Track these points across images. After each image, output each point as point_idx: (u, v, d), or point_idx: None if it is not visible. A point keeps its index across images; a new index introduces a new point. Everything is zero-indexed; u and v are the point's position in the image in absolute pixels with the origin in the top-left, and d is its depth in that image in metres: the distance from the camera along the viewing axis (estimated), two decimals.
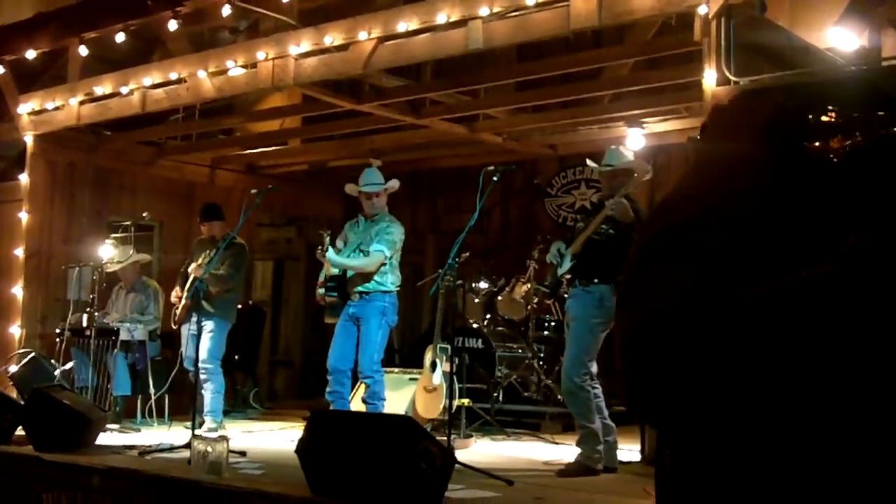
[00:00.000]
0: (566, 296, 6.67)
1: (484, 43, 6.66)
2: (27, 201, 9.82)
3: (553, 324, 9.64)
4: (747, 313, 1.11)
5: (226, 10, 8.03)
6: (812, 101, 1.32)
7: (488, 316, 9.67)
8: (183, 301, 8.31)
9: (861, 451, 1.06)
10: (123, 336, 8.73)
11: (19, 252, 9.76)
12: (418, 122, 9.64)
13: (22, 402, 7.46)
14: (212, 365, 8.13)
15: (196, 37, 9.53)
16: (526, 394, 9.28)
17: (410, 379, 8.64)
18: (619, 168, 6.51)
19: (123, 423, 8.53)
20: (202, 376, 7.95)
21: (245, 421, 9.75)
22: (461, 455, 6.03)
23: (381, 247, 7.31)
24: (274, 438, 8.18)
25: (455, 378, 7.22)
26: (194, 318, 7.79)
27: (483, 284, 9.73)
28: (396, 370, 8.91)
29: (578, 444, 6.30)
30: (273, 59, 7.77)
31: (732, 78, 5.58)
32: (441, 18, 6.75)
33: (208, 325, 8.07)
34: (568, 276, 6.44)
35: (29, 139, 9.83)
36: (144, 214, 9.57)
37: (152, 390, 8.77)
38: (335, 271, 7.47)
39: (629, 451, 6.76)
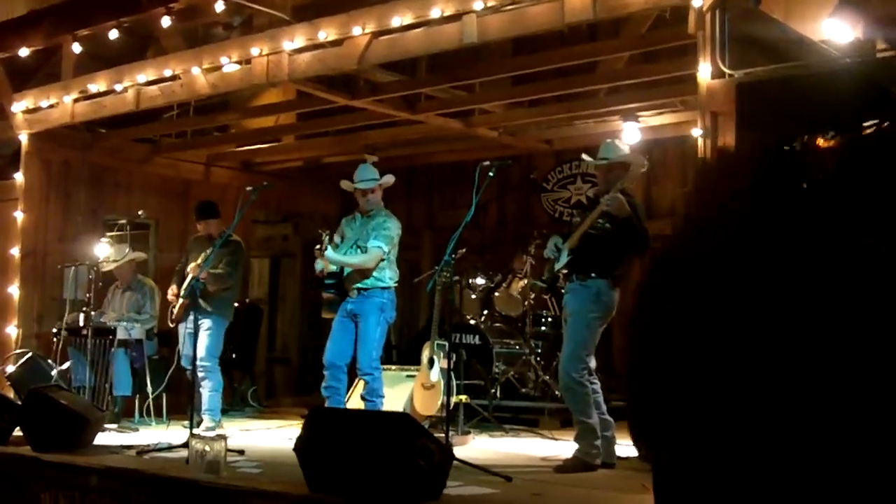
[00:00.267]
0: (563, 291, 6.66)
1: (478, 37, 6.64)
2: (22, 200, 9.80)
3: (550, 319, 9.64)
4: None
5: (219, 6, 8.01)
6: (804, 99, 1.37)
7: (485, 312, 9.66)
8: (180, 300, 8.29)
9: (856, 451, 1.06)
10: (121, 335, 8.71)
11: (15, 251, 9.74)
12: (413, 118, 9.63)
13: (19, 403, 7.44)
14: (210, 363, 8.12)
15: (190, 33, 9.51)
16: (523, 390, 9.28)
17: (408, 376, 8.64)
18: (615, 162, 6.49)
19: (121, 422, 8.52)
20: (200, 374, 7.94)
21: (243, 419, 9.74)
22: (459, 452, 6.02)
23: (379, 243, 7.30)
24: (272, 436, 8.18)
25: (452, 375, 7.21)
26: (191, 317, 7.77)
27: (480, 280, 9.72)
28: (394, 367, 8.91)
29: (576, 439, 6.29)
30: (267, 54, 7.76)
31: (727, 71, 5.58)
32: (435, 13, 6.74)
33: (206, 323, 8.06)
34: (565, 271, 6.42)
35: (23, 138, 9.81)
36: (140, 212, 9.55)
37: (150, 389, 8.75)
38: (333, 268, 7.45)
39: (627, 446, 6.75)
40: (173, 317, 8.40)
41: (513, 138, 10.54)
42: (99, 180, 10.56)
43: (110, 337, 8.66)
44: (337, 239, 7.58)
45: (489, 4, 6.52)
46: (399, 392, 8.41)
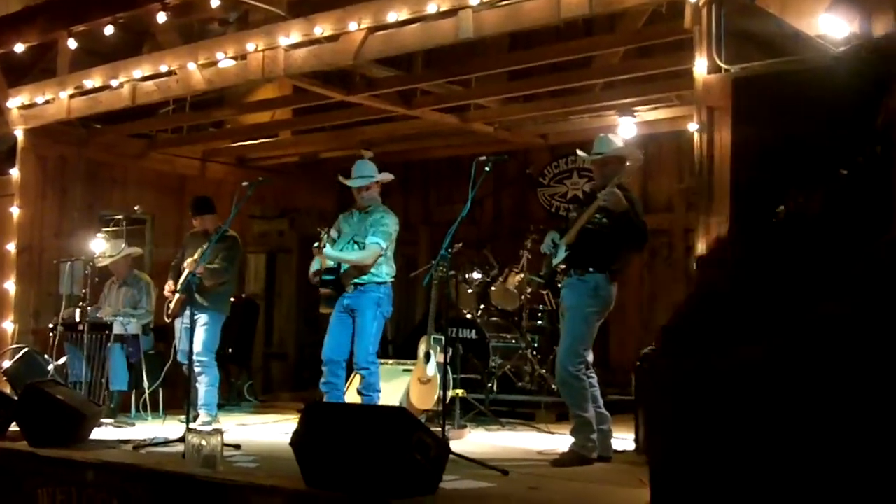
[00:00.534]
0: (559, 285, 6.67)
1: (474, 32, 6.64)
2: (18, 196, 9.80)
3: (546, 313, 9.64)
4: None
5: (215, 2, 8.01)
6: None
7: (482, 306, 9.66)
8: (176, 295, 8.29)
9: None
10: (117, 330, 8.70)
11: (11, 247, 9.74)
12: (409, 113, 9.62)
13: (15, 398, 7.44)
14: (206, 358, 8.12)
15: (185, 29, 9.50)
16: (520, 384, 9.29)
17: (404, 370, 8.64)
18: (610, 156, 6.50)
19: (118, 417, 8.51)
20: (196, 369, 7.94)
21: (239, 414, 9.74)
22: (456, 446, 6.03)
23: (377, 239, 7.30)
24: (268, 431, 8.18)
25: (449, 369, 7.23)
26: (188, 312, 7.78)
27: (476, 275, 9.72)
28: (390, 361, 8.91)
29: (572, 433, 6.31)
30: (263, 50, 7.75)
31: (723, 66, 5.58)
32: (431, 8, 6.74)
33: (202, 319, 8.06)
34: (563, 267, 6.43)
35: (19, 133, 9.81)
36: (136, 208, 9.54)
37: (146, 384, 8.75)
38: (331, 263, 7.46)
39: (623, 440, 6.77)
40: (169, 312, 8.41)
41: (509, 133, 10.55)
42: (95, 176, 10.56)
43: (106, 332, 8.66)
44: (334, 234, 7.57)
45: (485, 0, 6.52)
46: (395, 386, 8.42)
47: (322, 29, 7.35)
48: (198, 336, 7.91)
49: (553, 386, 8.55)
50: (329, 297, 7.50)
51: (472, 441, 7.43)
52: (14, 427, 7.11)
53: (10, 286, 9.68)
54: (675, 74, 7.97)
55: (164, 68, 8.47)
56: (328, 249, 7.26)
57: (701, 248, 5.55)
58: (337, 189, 8.00)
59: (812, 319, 1.18)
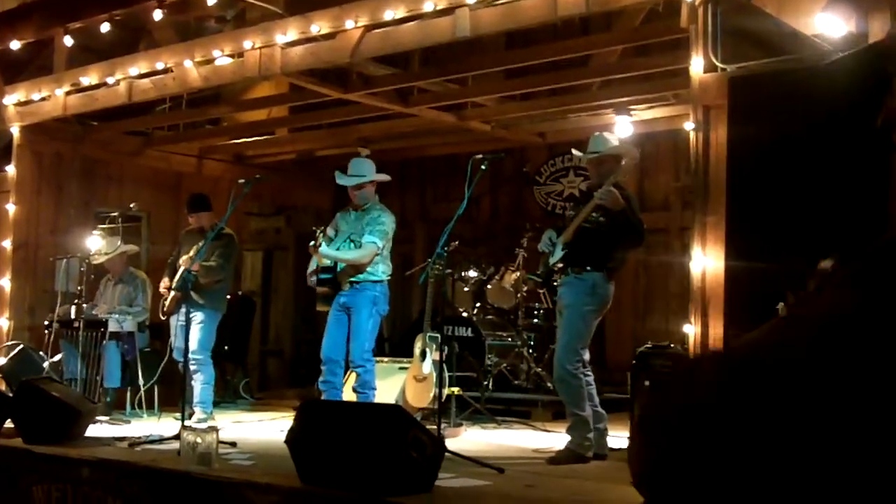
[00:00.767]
0: (556, 283, 6.67)
1: (471, 30, 6.64)
2: (14, 193, 9.78)
3: (542, 312, 9.65)
4: None
5: (211, 0, 7.99)
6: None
7: (478, 304, 9.67)
8: (172, 292, 8.29)
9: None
10: (113, 327, 8.69)
11: (6, 244, 9.72)
12: (406, 111, 9.62)
13: (11, 395, 7.43)
14: (202, 355, 8.12)
15: (182, 26, 9.50)
16: (516, 382, 9.30)
17: (400, 368, 8.64)
18: (605, 154, 6.51)
19: (113, 414, 8.51)
20: (192, 367, 7.93)
21: (235, 411, 9.74)
22: (451, 444, 6.03)
23: (373, 238, 7.30)
24: (264, 429, 8.17)
25: (445, 367, 7.22)
26: (183, 309, 7.77)
27: (472, 273, 9.73)
28: (386, 359, 8.91)
29: (568, 431, 6.31)
30: (260, 48, 7.74)
31: (720, 64, 5.58)
32: (428, 6, 6.73)
33: (198, 316, 8.06)
34: (560, 265, 6.43)
35: (15, 130, 9.79)
36: (132, 205, 9.52)
37: (142, 381, 8.74)
38: (327, 262, 7.46)
39: (619, 438, 6.77)
40: (165, 309, 8.40)
41: (506, 131, 10.55)
42: (91, 173, 10.54)
43: (102, 329, 8.64)
44: (331, 232, 7.58)
45: None
46: (391, 384, 8.41)
47: (319, 27, 7.34)
48: (193, 333, 7.90)
49: (549, 384, 8.56)
50: (326, 295, 7.50)
51: (468, 439, 7.43)
52: (9, 424, 7.10)
53: (6, 283, 9.67)
54: (672, 73, 7.97)
55: (160, 66, 8.46)
56: (324, 248, 7.26)
57: (699, 247, 5.55)
58: (334, 186, 7.98)
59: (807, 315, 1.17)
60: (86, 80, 8.97)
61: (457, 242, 8.52)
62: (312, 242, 7.27)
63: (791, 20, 5.58)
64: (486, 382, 8.87)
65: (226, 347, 10.02)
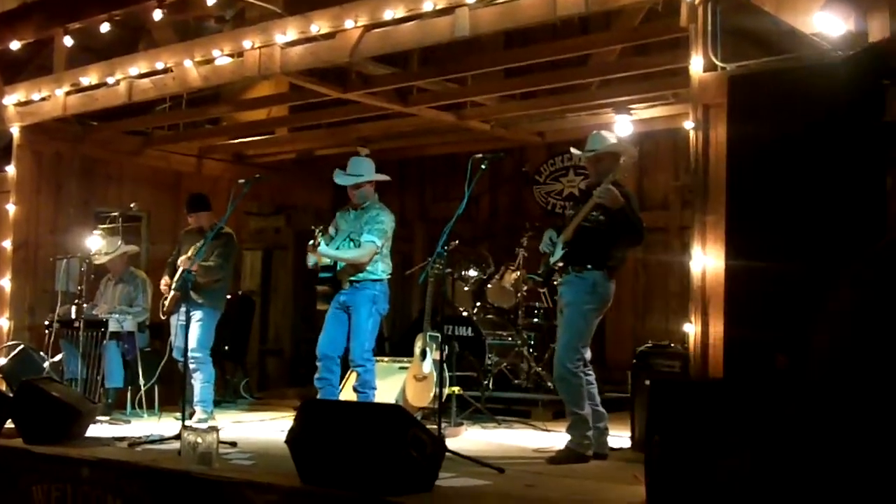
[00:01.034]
0: (555, 283, 6.68)
1: (470, 30, 6.64)
2: (14, 192, 9.78)
3: (543, 311, 9.65)
4: None
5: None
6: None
7: (478, 304, 9.67)
8: (172, 291, 8.30)
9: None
10: (113, 327, 8.69)
11: (6, 244, 9.73)
12: (406, 110, 9.61)
13: (11, 395, 7.44)
14: (201, 354, 8.13)
15: (181, 26, 9.49)
16: (516, 381, 9.30)
17: (400, 367, 8.64)
18: (604, 152, 6.51)
19: (113, 414, 8.51)
20: (192, 366, 7.94)
21: (235, 411, 9.74)
22: (452, 443, 6.04)
23: (372, 237, 7.30)
24: (264, 428, 8.18)
25: (445, 366, 7.22)
26: (183, 309, 7.77)
27: (472, 272, 9.73)
28: (386, 359, 8.91)
29: (568, 430, 6.32)
30: (259, 47, 7.74)
31: (719, 63, 5.59)
32: (427, 6, 6.73)
33: (197, 315, 8.06)
34: (560, 265, 6.44)
35: (15, 130, 9.79)
36: (132, 205, 9.52)
37: (142, 381, 8.74)
38: (327, 261, 7.46)
39: (619, 437, 6.78)
40: (165, 308, 8.41)
41: (505, 131, 10.55)
42: (90, 172, 10.55)
43: (102, 329, 8.64)
44: (332, 231, 7.59)
45: None
46: (391, 384, 8.41)
47: (318, 26, 7.34)
48: (193, 333, 7.91)
49: (549, 383, 8.56)
50: (325, 294, 7.51)
51: (468, 439, 7.44)
52: (9, 424, 7.10)
53: (6, 283, 9.67)
54: (672, 72, 7.97)
55: (160, 65, 8.46)
56: (323, 247, 7.27)
57: (697, 245, 5.56)
58: (333, 186, 7.98)
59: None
60: (86, 80, 8.97)
61: (456, 242, 8.53)
62: (311, 241, 7.27)
63: (790, 19, 5.57)
64: (486, 382, 8.88)
65: (225, 347, 10.03)
